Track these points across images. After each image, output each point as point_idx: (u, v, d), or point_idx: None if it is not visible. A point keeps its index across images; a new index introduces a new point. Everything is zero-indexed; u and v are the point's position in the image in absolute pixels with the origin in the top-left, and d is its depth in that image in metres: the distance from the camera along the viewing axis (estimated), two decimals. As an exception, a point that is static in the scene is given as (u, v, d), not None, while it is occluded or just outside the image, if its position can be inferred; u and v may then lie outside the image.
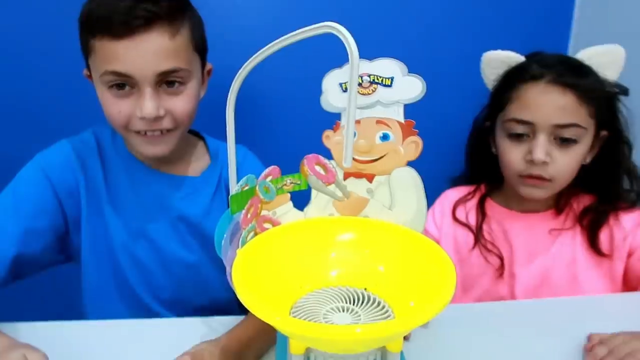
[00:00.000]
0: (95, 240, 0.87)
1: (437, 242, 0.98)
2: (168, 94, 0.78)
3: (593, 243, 0.87)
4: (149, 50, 0.73)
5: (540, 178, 0.83)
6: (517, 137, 0.84)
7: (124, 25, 0.71)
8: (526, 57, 0.88)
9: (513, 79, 0.86)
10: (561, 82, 0.80)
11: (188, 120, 0.83)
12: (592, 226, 0.87)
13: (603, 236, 0.87)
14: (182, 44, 0.77)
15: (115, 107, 0.76)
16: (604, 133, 0.85)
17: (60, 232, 0.84)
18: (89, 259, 0.88)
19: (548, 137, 0.81)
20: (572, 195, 0.91)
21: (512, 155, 0.85)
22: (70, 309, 0.90)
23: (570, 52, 1.21)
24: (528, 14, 1.17)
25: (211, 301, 0.93)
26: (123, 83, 0.75)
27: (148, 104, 0.74)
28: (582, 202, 0.91)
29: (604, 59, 0.82)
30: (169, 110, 0.78)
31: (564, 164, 0.82)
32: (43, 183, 0.81)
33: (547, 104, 0.80)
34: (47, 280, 1.11)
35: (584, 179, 0.88)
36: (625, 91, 0.85)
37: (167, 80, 0.77)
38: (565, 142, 0.81)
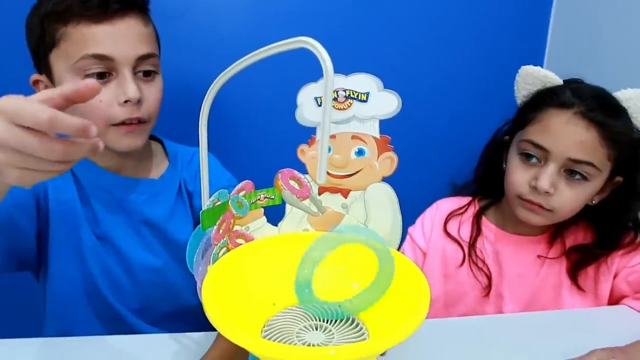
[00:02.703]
0: (65, 241, 0.84)
1: (424, 254, 0.95)
2: (143, 82, 0.79)
3: (574, 278, 0.85)
4: (128, 34, 0.75)
5: (540, 206, 0.80)
6: (528, 159, 0.81)
7: (103, 9, 0.72)
8: (564, 81, 0.84)
9: (542, 100, 0.82)
10: (589, 116, 0.76)
11: (157, 113, 0.83)
12: (577, 263, 0.85)
13: (590, 268, 0.85)
14: (153, 33, 0.81)
15: (96, 97, 0.75)
16: (618, 179, 0.82)
17: (34, 218, 0.81)
18: (57, 262, 0.84)
19: (558, 168, 0.78)
20: (566, 226, 0.87)
21: (518, 177, 0.82)
22: (25, 320, 0.86)
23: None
24: (503, 31, 1.19)
25: (179, 307, 0.91)
26: (102, 72, 0.75)
27: (131, 86, 0.75)
28: (576, 235, 0.88)
29: None
30: (145, 98, 0.79)
31: (567, 197, 0.78)
32: None
33: (567, 135, 0.76)
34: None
35: (586, 214, 0.84)
36: None
37: (143, 70, 0.78)
38: (574, 177, 0.78)
